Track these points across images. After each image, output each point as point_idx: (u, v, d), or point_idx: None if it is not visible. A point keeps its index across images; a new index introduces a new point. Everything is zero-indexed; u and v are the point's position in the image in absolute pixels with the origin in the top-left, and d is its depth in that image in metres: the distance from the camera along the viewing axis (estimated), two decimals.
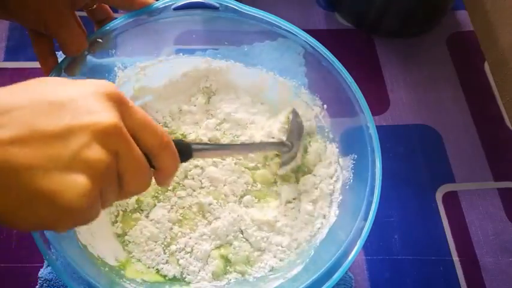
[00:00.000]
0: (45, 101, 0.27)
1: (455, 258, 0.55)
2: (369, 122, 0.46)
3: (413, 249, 0.55)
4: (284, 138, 0.52)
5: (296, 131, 0.53)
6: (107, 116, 0.28)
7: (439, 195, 0.59)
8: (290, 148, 0.51)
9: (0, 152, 0.25)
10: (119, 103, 0.29)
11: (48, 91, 0.28)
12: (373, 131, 0.45)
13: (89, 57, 0.47)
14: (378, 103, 0.66)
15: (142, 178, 0.31)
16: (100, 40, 0.47)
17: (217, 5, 0.48)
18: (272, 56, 0.53)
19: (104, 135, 0.27)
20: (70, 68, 0.45)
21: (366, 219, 0.42)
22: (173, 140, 0.34)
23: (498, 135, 0.65)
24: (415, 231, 0.57)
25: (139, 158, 0.30)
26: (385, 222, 0.57)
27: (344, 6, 0.72)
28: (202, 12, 0.49)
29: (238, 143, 0.54)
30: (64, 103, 0.27)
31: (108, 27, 0.47)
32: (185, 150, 0.37)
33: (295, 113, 0.53)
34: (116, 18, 0.48)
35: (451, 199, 0.59)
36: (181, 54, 0.55)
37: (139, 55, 0.52)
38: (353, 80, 0.48)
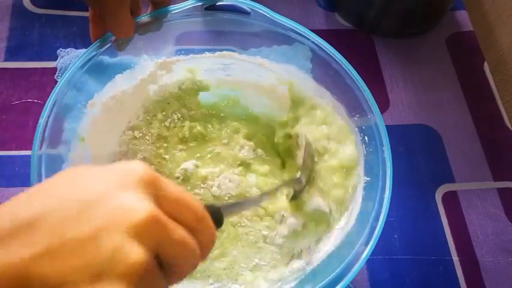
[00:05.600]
0: (73, 200, 0.25)
1: (455, 258, 0.55)
2: (380, 126, 0.45)
3: (413, 249, 0.56)
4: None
5: (309, 160, 0.49)
6: (141, 208, 0.25)
7: (438, 195, 0.59)
8: (302, 183, 0.48)
9: (23, 271, 0.23)
10: (152, 186, 0.27)
11: (76, 187, 0.26)
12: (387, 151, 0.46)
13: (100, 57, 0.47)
14: (378, 103, 0.64)
15: (191, 256, 0.28)
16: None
17: (249, 10, 0.47)
18: (280, 59, 0.52)
19: (140, 230, 0.25)
20: (118, 44, 0.46)
21: (366, 244, 0.40)
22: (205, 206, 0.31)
23: (498, 135, 0.65)
24: (414, 231, 0.57)
25: (184, 238, 0.27)
26: (385, 222, 0.57)
27: (344, 6, 0.73)
28: (207, 14, 0.48)
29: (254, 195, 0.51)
30: (94, 200, 0.25)
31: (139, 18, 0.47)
32: (217, 216, 0.33)
33: (307, 141, 0.49)
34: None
35: (451, 199, 0.59)
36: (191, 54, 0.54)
37: (139, 55, 0.52)
38: (363, 82, 0.46)
